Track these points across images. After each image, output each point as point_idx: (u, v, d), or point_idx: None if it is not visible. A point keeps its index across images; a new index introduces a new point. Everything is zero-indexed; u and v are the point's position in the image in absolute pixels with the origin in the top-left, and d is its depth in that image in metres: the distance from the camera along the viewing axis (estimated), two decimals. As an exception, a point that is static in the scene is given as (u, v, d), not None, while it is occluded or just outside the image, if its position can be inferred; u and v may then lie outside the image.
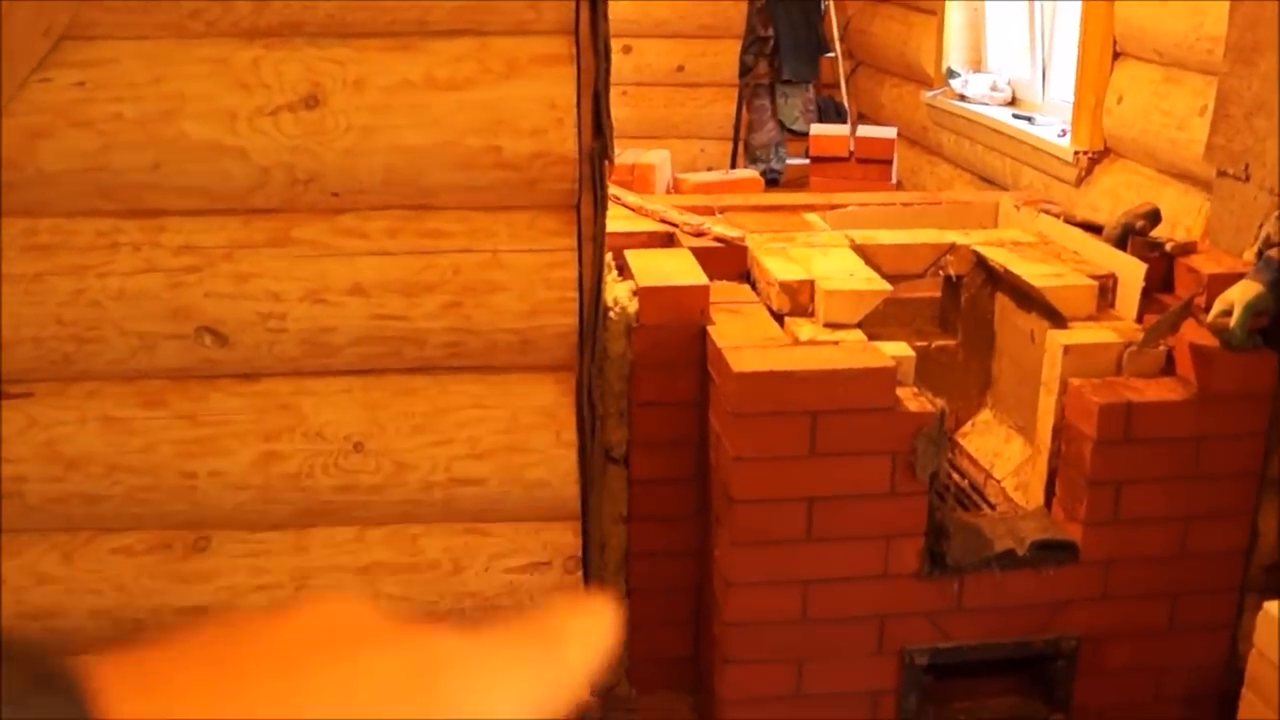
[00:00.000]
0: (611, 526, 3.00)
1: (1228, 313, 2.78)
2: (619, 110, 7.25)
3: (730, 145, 7.59)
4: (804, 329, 2.91)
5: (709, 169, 7.60)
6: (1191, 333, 2.91)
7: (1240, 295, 2.77)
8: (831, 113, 7.51)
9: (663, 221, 3.36)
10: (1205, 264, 3.20)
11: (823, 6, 7.44)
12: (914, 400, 2.71)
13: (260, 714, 0.37)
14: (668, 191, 4.48)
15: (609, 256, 2.89)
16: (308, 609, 0.42)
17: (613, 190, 3.40)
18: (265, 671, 0.38)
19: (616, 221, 3.21)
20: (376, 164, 2.55)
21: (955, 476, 3.00)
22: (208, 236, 2.57)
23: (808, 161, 6.35)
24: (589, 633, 0.47)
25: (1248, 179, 3.30)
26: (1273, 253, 2.77)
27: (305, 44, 2.49)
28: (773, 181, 7.16)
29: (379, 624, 0.42)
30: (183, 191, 2.54)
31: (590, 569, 2.82)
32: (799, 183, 6.79)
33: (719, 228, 3.30)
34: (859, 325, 2.95)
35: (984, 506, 3.25)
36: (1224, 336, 2.81)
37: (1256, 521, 3.01)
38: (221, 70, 2.48)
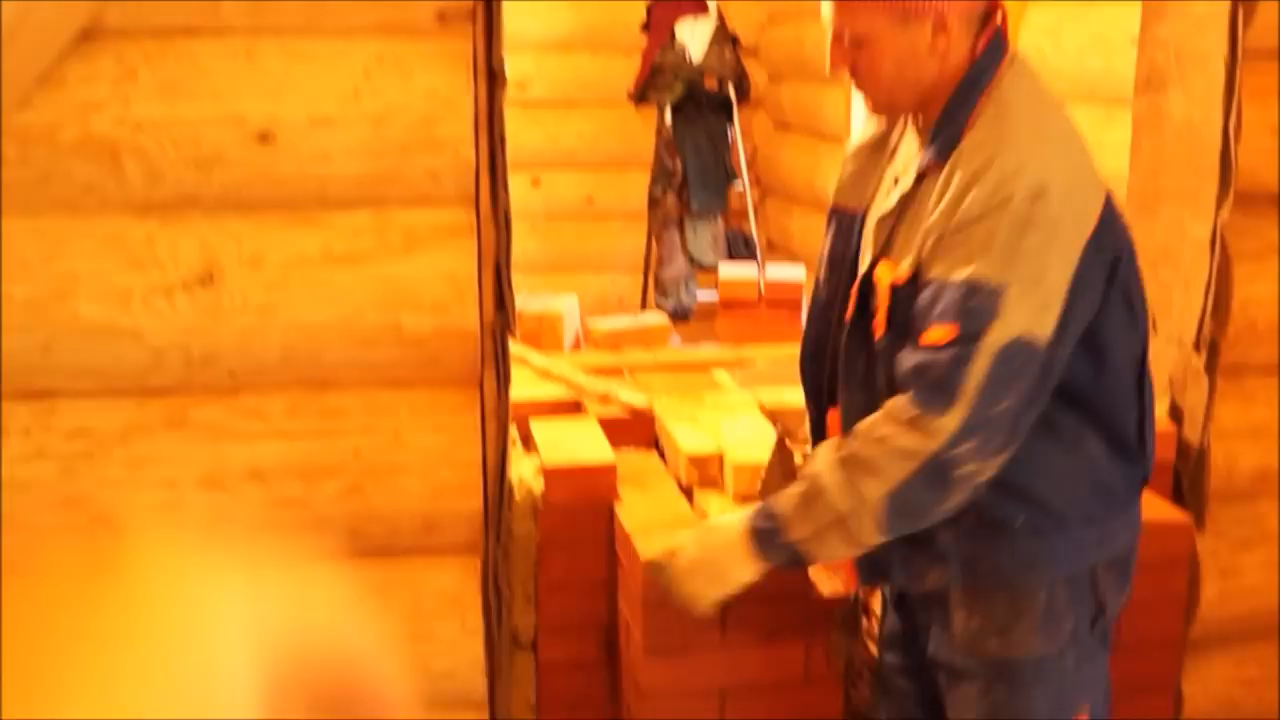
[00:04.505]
0: (521, 714, 2.92)
1: None
2: (528, 243, 7.27)
3: (641, 278, 7.59)
4: (713, 504, 2.86)
5: (619, 300, 7.59)
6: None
7: None
8: (740, 246, 7.52)
9: (569, 386, 3.32)
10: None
11: (730, 137, 7.47)
12: (826, 582, 2.66)
13: None
14: (576, 340, 4.44)
15: (513, 428, 2.84)
16: None
17: (519, 350, 3.36)
18: None
19: (522, 386, 3.16)
20: (274, 342, 2.49)
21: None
22: (101, 419, 2.50)
23: (717, 296, 6.33)
24: None
25: (1155, 330, 3.30)
26: None
27: (201, 218, 2.44)
28: (682, 317, 7.13)
29: None
30: (75, 373, 2.47)
31: (499, 757, 2.74)
32: (708, 315, 6.77)
33: (625, 394, 3.25)
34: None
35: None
36: None
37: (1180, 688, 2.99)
38: (115, 247, 2.42)
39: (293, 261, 2.46)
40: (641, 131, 7.66)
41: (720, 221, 7.52)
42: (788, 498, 2.28)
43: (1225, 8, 2.89)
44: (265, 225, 2.45)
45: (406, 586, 2.61)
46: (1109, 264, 2.22)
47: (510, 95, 2.54)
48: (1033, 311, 2.11)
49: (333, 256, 2.47)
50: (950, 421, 2.12)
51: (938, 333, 2.13)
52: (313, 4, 2.34)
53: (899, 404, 2.17)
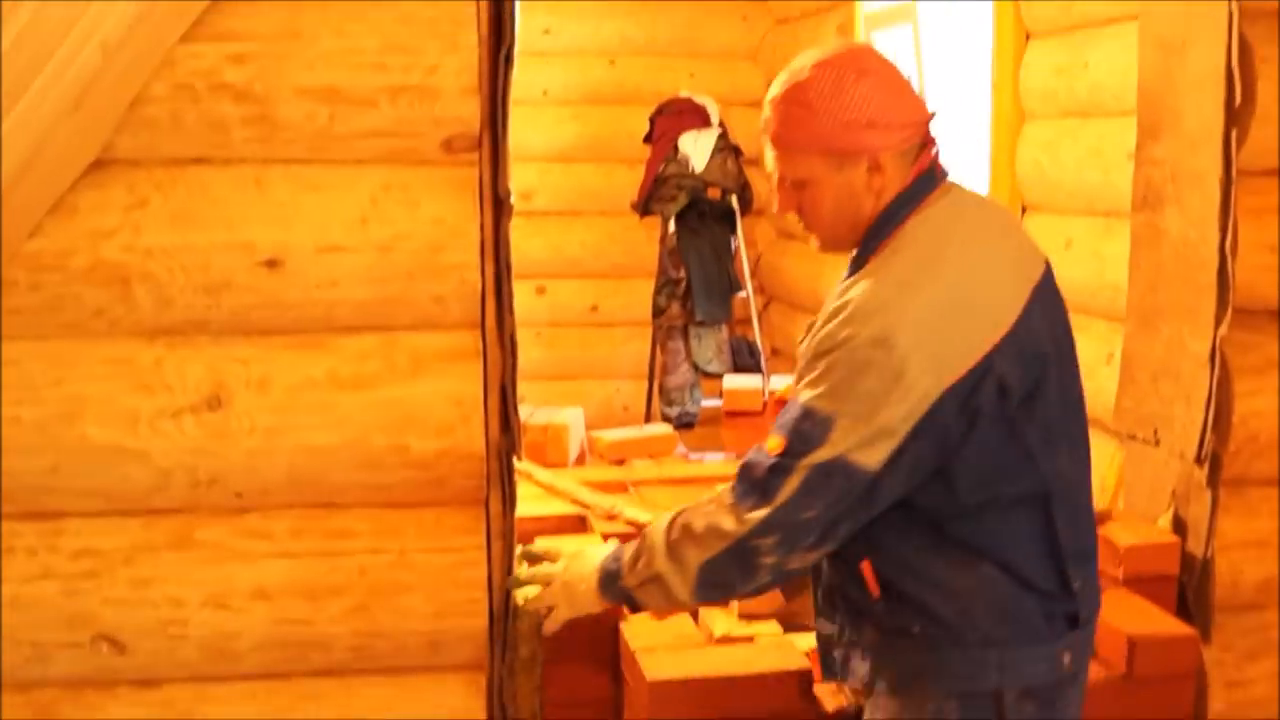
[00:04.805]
0: (526, 834, 2.90)
1: None
2: (533, 351, 7.29)
3: (646, 385, 7.62)
4: (718, 622, 2.87)
5: (624, 407, 7.62)
6: (1107, 612, 2.89)
7: None
8: (744, 353, 7.55)
9: (574, 503, 3.33)
10: (1122, 534, 3.19)
11: (733, 246, 7.52)
12: (832, 698, 2.66)
13: None
14: (581, 452, 4.45)
15: (519, 548, 2.85)
16: None
17: (524, 466, 3.37)
18: None
19: (527, 503, 3.17)
20: (281, 464, 2.50)
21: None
22: (107, 539, 2.51)
23: (722, 402, 6.36)
24: None
25: (1158, 444, 3.31)
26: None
27: (208, 343, 2.46)
28: (687, 425, 7.16)
29: None
30: (81, 493, 2.48)
31: None
32: (714, 421, 6.80)
33: (630, 510, 3.26)
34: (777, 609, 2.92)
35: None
36: None
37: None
38: (123, 371, 2.45)
39: (300, 385, 2.48)
40: (645, 240, 7.74)
41: (724, 330, 7.56)
42: (629, 547, 2.49)
43: (1219, 128, 2.93)
44: (272, 349, 2.47)
45: (412, 705, 2.61)
46: (972, 413, 2.26)
47: (515, 206, 2.58)
48: (860, 442, 2.23)
49: (339, 380, 2.49)
50: (757, 516, 2.29)
51: (772, 442, 2.30)
52: (321, 134, 2.38)
53: (726, 489, 2.36)
